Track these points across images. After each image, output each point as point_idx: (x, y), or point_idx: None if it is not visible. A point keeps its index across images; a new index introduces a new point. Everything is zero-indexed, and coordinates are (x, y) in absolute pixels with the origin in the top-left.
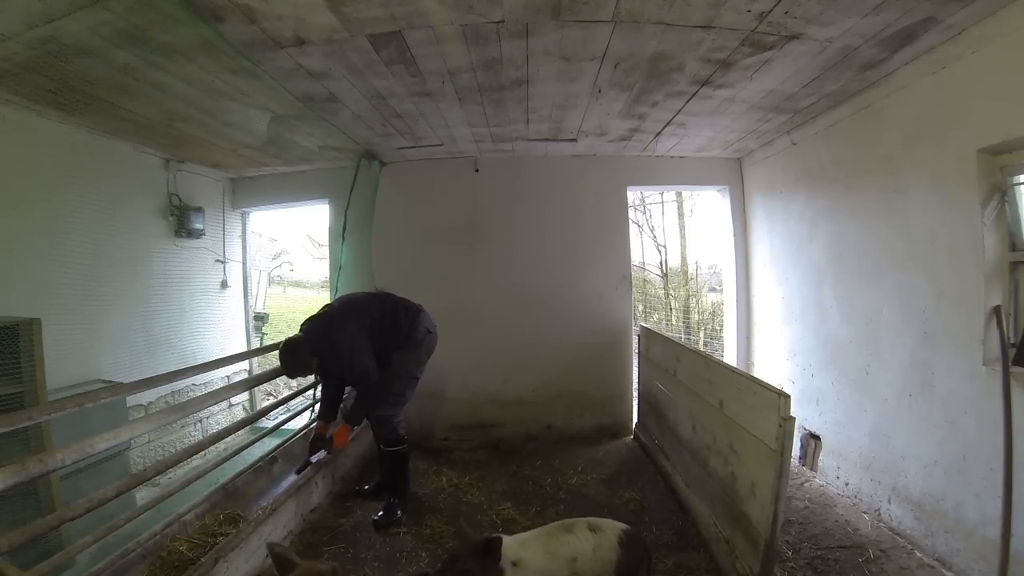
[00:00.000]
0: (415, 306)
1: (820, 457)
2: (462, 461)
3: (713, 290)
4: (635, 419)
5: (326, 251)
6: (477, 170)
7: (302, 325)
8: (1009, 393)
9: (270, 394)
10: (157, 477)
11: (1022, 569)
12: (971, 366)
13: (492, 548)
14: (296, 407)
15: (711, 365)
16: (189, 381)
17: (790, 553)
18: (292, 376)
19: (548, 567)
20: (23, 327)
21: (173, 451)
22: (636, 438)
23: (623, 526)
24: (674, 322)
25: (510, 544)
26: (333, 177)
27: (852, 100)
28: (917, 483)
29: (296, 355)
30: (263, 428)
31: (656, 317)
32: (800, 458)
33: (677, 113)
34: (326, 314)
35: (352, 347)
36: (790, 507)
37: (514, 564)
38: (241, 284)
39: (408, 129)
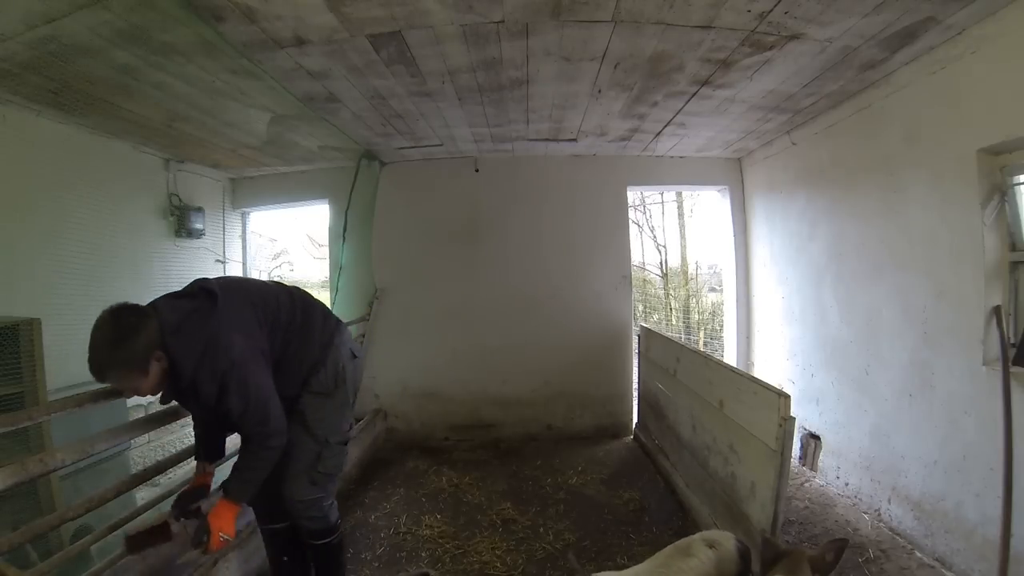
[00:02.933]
0: (333, 318)
1: (820, 457)
2: (462, 461)
3: (713, 290)
4: (635, 419)
5: (326, 251)
6: (477, 170)
7: (154, 301)
8: (1009, 393)
9: None
10: (157, 477)
11: (1022, 569)
12: (971, 366)
13: None
14: None
15: (711, 365)
16: None
17: None
18: (107, 377)
19: None
20: (23, 327)
21: (173, 451)
22: (636, 438)
23: (730, 534)
24: (674, 322)
25: None
26: (333, 177)
27: (852, 100)
28: (917, 483)
29: (125, 339)
30: None
31: (656, 317)
32: (800, 458)
33: (677, 113)
34: (203, 291)
35: (247, 362)
36: (790, 507)
37: None
38: None
39: (408, 129)
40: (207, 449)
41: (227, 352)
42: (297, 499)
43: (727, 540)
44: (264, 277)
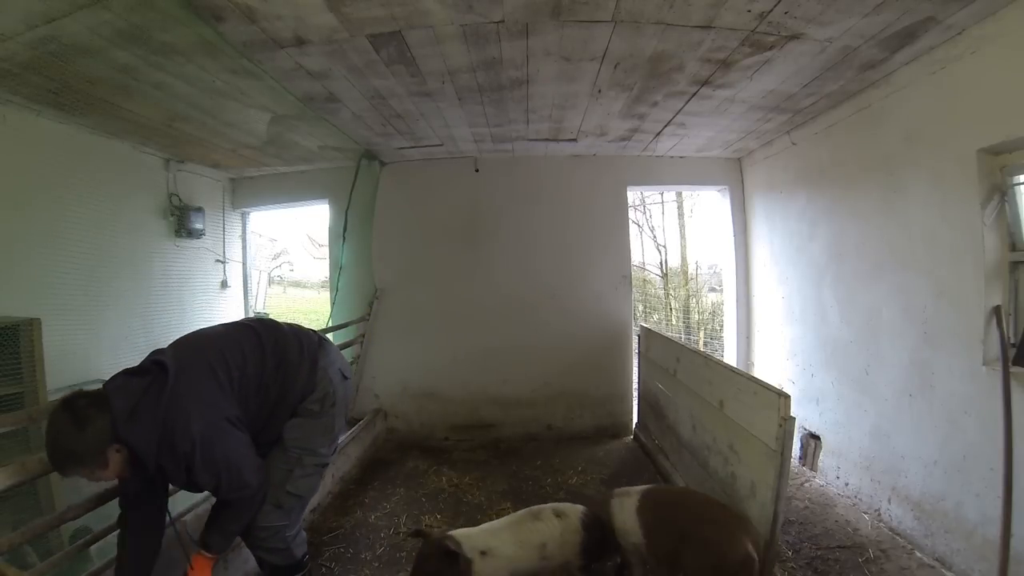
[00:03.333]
0: (314, 337)
1: (820, 457)
2: (462, 461)
3: (713, 290)
4: (635, 419)
5: (326, 251)
6: (477, 170)
7: (107, 383)
8: (1009, 393)
9: None
10: None
11: (1022, 569)
12: (971, 366)
13: (452, 554)
14: None
15: (711, 365)
16: None
17: (790, 553)
18: (64, 472)
19: (518, 554)
20: (23, 327)
21: None
22: (636, 438)
23: (583, 508)
24: (674, 322)
25: (478, 534)
26: (333, 177)
27: (852, 100)
28: (917, 483)
29: (81, 432)
30: None
31: (656, 317)
32: (800, 458)
33: (677, 113)
34: (155, 364)
35: (212, 436)
36: (790, 507)
37: (483, 553)
38: (241, 284)
39: (408, 129)
40: (135, 567)
41: (186, 432)
42: (259, 525)
43: (573, 513)
44: (264, 277)
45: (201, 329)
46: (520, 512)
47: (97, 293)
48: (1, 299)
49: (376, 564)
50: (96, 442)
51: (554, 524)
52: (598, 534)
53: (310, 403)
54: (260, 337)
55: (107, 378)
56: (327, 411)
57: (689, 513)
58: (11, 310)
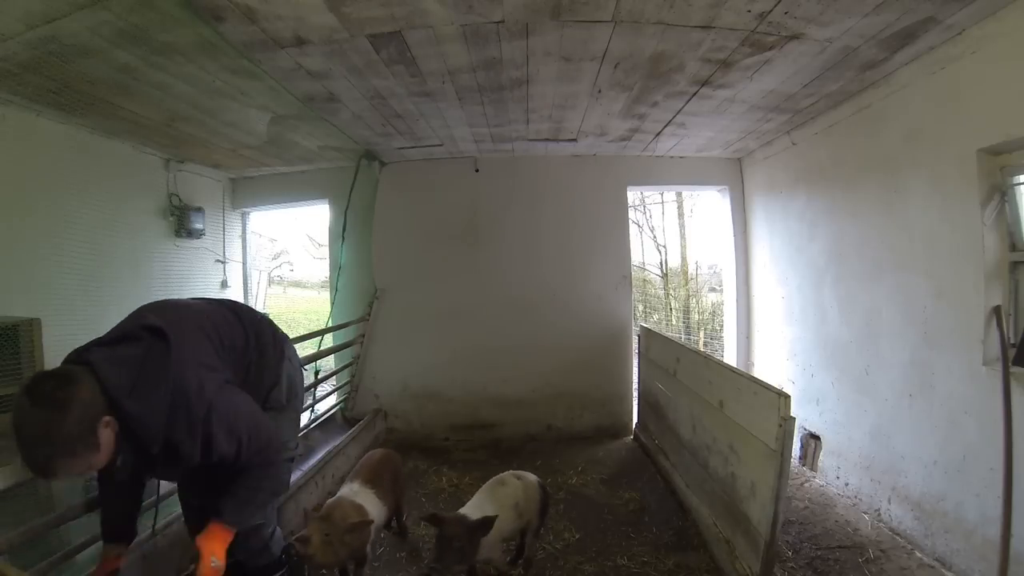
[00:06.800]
0: (278, 329)
1: (820, 457)
2: (462, 461)
3: (713, 290)
4: (635, 419)
5: (326, 251)
6: (477, 170)
7: (86, 355)
8: (1009, 393)
9: None
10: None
11: (1022, 569)
12: (971, 366)
13: (486, 524)
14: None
15: (711, 365)
16: None
17: (790, 553)
18: (55, 471)
19: (502, 516)
20: (23, 327)
21: None
22: (636, 438)
23: (533, 475)
24: (674, 322)
25: (468, 511)
26: (333, 177)
27: (852, 100)
28: (917, 483)
29: (66, 416)
30: None
31: (656, 317)
32: (800, 458)
33: (677, 113)
34: (147, 330)
35: (220, 392)
36: (790, 507)
37: None
38: (241, 284)
39: (408, 129)
40: (123, 528)
41: (200, 395)
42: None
43: (530, 476)
44: (264, 277)
45: (175, 300)
46: (486, 484)
47: (97, 293)
48: (1, 299)
49: (376, 564)
50: (85, 422)
51: (517, 484)
52: (547, 495)
53: (277, 394)
54: (239, 316)
55: None
56: (292, 403)
57: (381, 468)
58: (11, 310)
